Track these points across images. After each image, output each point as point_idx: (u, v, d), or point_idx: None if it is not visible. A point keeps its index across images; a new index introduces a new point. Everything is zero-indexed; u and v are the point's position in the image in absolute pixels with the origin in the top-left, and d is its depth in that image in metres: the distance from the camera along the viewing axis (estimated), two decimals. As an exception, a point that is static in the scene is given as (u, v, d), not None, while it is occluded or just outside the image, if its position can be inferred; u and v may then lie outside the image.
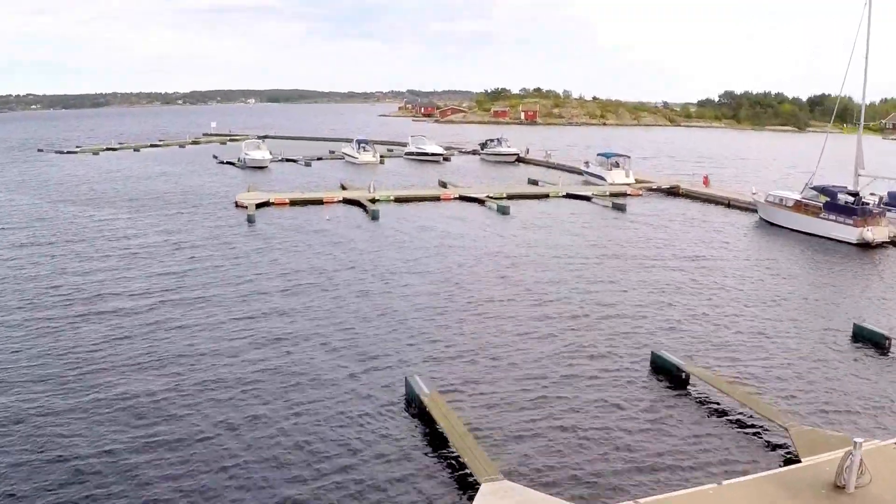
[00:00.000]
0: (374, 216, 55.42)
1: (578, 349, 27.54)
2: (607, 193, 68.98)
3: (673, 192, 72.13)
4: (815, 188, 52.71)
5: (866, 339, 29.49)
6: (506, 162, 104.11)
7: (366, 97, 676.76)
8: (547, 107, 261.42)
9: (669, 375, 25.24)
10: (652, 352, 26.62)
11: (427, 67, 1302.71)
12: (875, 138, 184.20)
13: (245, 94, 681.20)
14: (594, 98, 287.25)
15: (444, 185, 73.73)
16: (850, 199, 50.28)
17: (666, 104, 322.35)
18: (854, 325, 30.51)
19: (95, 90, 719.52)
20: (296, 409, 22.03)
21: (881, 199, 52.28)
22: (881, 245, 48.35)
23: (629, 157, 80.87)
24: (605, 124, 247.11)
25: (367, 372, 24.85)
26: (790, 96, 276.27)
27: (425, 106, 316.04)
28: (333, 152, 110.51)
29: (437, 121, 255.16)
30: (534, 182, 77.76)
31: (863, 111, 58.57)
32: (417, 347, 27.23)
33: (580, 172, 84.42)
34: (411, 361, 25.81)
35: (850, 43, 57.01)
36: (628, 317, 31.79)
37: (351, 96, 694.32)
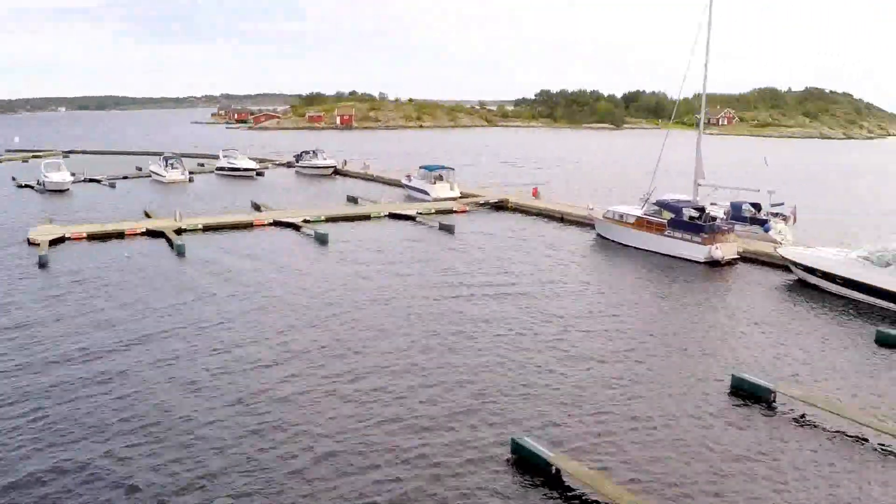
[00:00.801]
0: (181, 251, 47.64)
1: (421, 449, 21.26)
2: (433, 211, 63.54)
3: (502, 207, 67.49)
4: (657, 203, 48.84)
5: (747, 392, 25.54)
6: (322, 175, 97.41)
7: (180, 103, 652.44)
8: (363, 110, 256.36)
9: (536, 470, 20.15)
10: (512, 439, 21.19)
11: (242, 70, 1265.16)
12: (692, 133, 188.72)
13: (55, 102, 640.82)
14: (410, 100, 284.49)
15: (257, 207, 66.38)
16: (696, 213, 46.63)
17: (482, 104, 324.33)
18: (733, 377, 26.30)
19: None
20: None
21: (728, 212, 49.02)
22: (730, 262, 44.87)
23: (453, 170, 75.73)
24: (421, 126, 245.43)
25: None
26: (605, 94, 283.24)
27: (239, 112, 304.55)
28: (141, 169, 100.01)
29: (251, 128, 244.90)
30: (353, 200, 71.50)
31: (702, 116, 55.56)
32: (195, 481, 20.07)
33: (401, 186, 78.86)
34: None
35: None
36: (475, 385, 25.92)
37: (165, 102, 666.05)
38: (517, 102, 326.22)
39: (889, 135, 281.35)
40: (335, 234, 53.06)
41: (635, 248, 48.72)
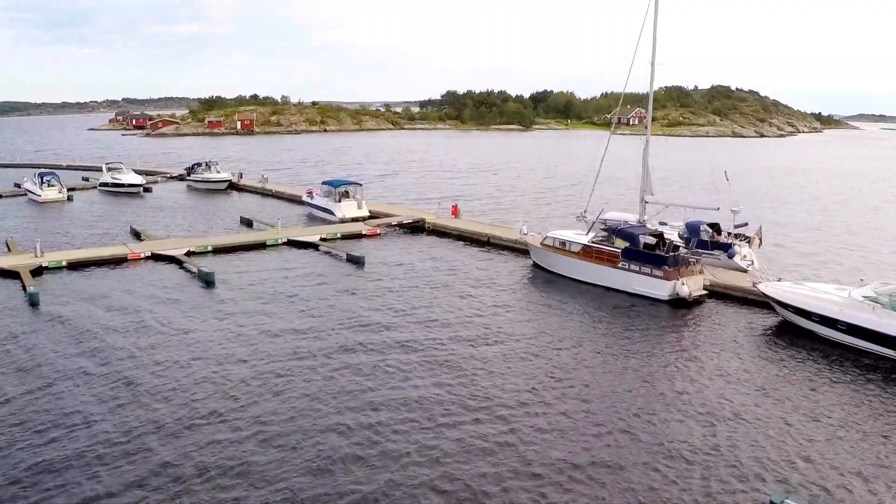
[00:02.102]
0: (34, 300, 38.17)
1: None
2: (338, 235, 55.00)
3: (418, 228, 59.19)
4: (607, 228, 41.22)
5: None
6: (216, 190, 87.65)
7: (80, 107, 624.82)
8: (265, 115, 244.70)
9: None
10: None
11: (143, 74, 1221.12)
12: (603, 133, 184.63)
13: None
14: (314, 103, 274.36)
15: (137, 234, 56.77)
16: (653, 241, 39.14)
17: (387, 106, 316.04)
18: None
19: None
20: None
21: (683, 235, 41.80)
22: (697, 300, 37.53)
23: (361, 185, 67.17)
24: (325, 130, 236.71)
25: None
26: (513, 94, 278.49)
27: (137, 118, 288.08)
28: (20, 186, 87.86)
29: (148, 134, 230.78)
30: (247, 222, 62.43)
31: (649, 118, 48.07)
32: None
33: (302, 202, 70.14)
34: None
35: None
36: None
37: (64, 107, 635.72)
38: (423, 104, 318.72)
39: (799, 131, 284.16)
40: (223, 271, 44.25)
41: (582, 282, 41.09)
